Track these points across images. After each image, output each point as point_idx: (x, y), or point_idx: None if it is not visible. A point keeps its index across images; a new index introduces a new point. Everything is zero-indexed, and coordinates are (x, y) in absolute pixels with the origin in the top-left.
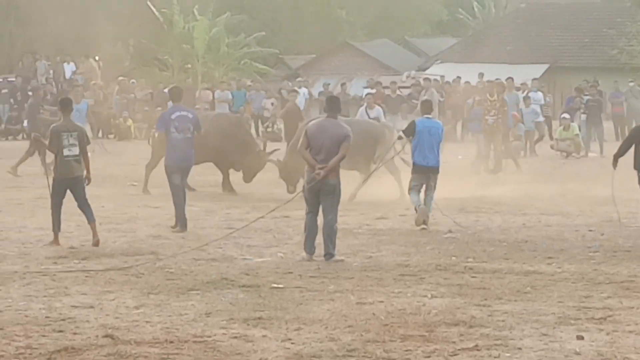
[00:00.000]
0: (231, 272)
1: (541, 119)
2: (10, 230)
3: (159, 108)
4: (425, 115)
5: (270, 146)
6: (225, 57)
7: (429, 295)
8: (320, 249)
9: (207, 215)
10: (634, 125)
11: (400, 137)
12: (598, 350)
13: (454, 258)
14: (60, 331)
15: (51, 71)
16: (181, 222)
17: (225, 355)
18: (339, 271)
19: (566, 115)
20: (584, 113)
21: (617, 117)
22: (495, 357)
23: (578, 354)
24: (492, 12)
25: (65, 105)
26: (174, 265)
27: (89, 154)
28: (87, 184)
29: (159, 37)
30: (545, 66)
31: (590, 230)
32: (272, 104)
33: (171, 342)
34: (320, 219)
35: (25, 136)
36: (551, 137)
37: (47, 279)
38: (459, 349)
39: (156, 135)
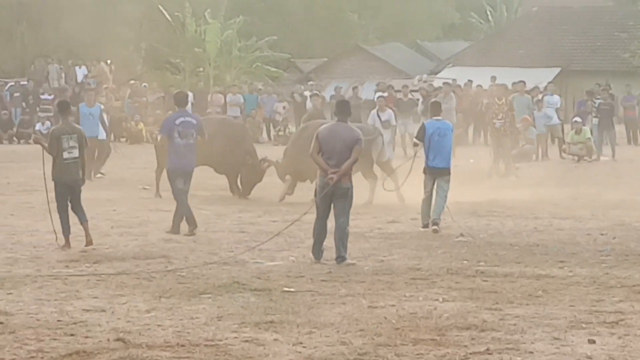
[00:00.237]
0: (243, 275)
1: (557, 122)
2: (22, 234)
3: (171, 112)
4: (435, 117)
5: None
6: (237, 61)
7: (441, 299)
8: (330, 253)
9: (219, 219)
10: None
11: (416, 144)
12: (610, 354)
13: (465, 262)
14: (72, 335)
15: (63, 75)
16: (190, 223)
17: (237, 358)
18: (350, 275)
19: (578, 119)
20: (595, 117)
21: (629, 121)
22: None
23: (590, 358)
24: (504, 15)
25: (63, 108)
26: (186, 269)
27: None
28: (81, 185)
29: (171, 41)
30: (557, 70)
31: (602, 234)
32: (284, 107)
33: (183, 345)
34: (329, 223)
35: None
36: (563, 141)
37: (59, 283)
38: (470, 353)
39: (158, 139)
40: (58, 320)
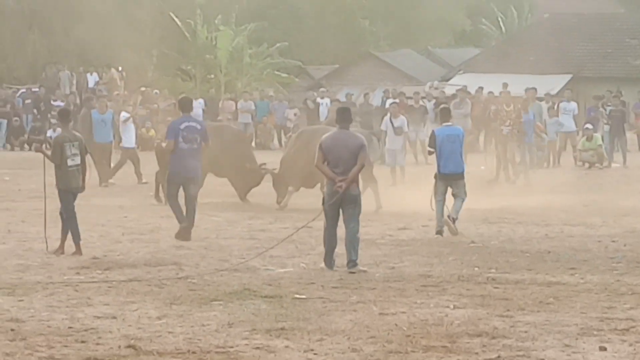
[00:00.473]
0: (254, 282)
1: (574, 129)
2: (33, 241)
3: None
4: (445, 123)
5: None
6: (248, 68)
7: (452, 306)
8: (341, 259)
9: (230, 226)
10: None
11: (430, 152)
12: None
13: (476, 269)
14: (83, 342)
15: (74, 82)
16: (186, 221)
17: None
18: (361, 282)
19: (589, 126)
20: (607, 124)
21: None
22: None
23: None
24: (515, 22)
25: (64, 116)
26: (197, 276)
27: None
28: (80, 192)
29: (182, 48)
30: (569, 76)
31: (613, 241)
32: (295, 114)
33: (194, 352)
34: (339, 230)
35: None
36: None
37: (70, 290)
38: None
39: (163, 145)
40: (69, 327)
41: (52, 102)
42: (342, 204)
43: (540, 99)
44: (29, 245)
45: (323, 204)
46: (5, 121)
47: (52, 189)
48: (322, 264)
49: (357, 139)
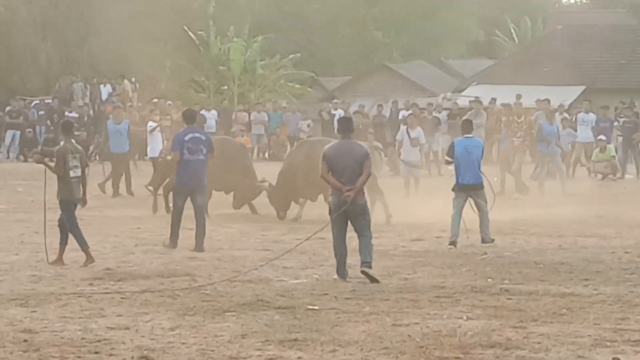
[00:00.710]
0: (267, 293)
1: (592, 139)
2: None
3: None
4: (465, 135)
5: None
6: (261, 79)
7: (465, 317)
8: (354, 271)
9: (243, 237)
10: None
11: (448, 162)
12: None
13: (489, 280)
14: (96, 352)
15: (88, 93)
16: (172, 240)
17: None
18: (374, 293)
19: (603, 137)
20: (620, 135)
21: None
22: None
23: None
24: (528, 33)
25: (67, 128)
26: (210, 287)
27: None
28: (82, 206)
29: (195, 59)
30: (582, 88)
31: (626, 252)
32: (308, 125)
33: None
34: (352, 242)
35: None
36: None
37: (83, 300)
38: None
39: (168, 158)
40: (82, 338)
41: (67, 113)
42: (351, 215)
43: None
44: (42, 257)
45: (330, 214)
46: (18, 132)
47: (53, 201)
48: (335, 275)
49: (362, 147)
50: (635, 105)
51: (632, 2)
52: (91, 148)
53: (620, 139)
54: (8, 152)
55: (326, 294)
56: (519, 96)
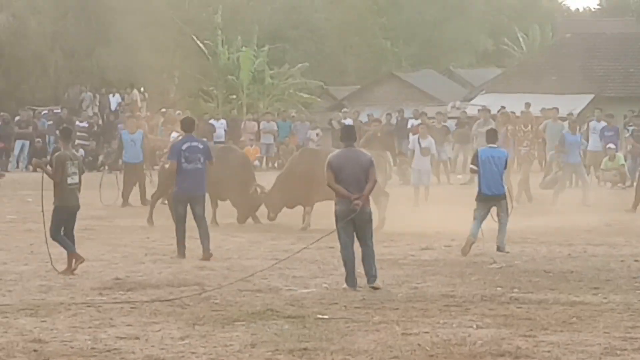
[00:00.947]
0: (276, 303)
1: (601, 148)
2: (56, 262)
3: (204, 139)
4: (490, 145)
5: None
6: (270, 88)
7: (475, 326)
8: (363, 279)
9: (252, 246)
10: None
11: (473, 171)
12: None
13: (499, 289)
14: None
15: (97, 103)
16: (180, 249)
17: None
18: (384, 302)
19: (611, 145)
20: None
21: None
22: None
23: None
24: (537, 42)
25: (66, 135)
26: (219, 296)
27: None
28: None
29: (203, 69)
30: (591, 96)
31: (636, 261)
32: (317, 134)
33: None
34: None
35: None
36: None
37: (93, 310)
38: None
39: (166, 166)
40: (92, 348)
41: (77, 123)
42: (357, 223)
43: (563, 119)
44: (51, 266)
45: (336, 223)
46: (27, 142)
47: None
48: (344, 285)
49: (366, 155)
50: None
51: None
52: (100, 157)
53: (629, 147)
54: (17, 162)
55: (336, 303)
56: (528, 105)
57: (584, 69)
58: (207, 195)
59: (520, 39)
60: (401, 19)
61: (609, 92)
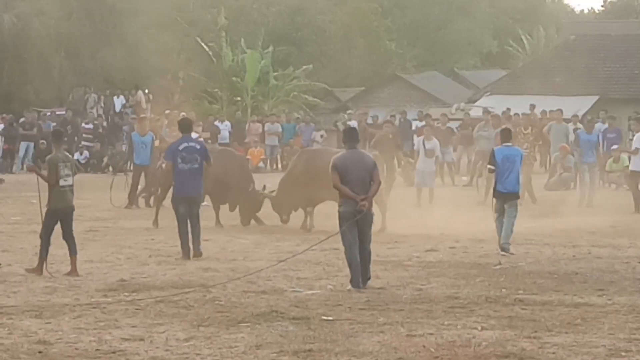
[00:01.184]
0: (281, 304)
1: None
2: (60, 263)
3: (209, 141)
4: (505, 144)
5: None
6: (274, 90)
7: (479, 328)
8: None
9: (257, 248)
10: None
11: (491, 170)
12: None
13: (504, 290)
14: None
15: (101, 104)
16: (184, 251)
17: None
18: (388, 303)
19: (616, 147)
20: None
21: None
22: None
23: None
24: (541, 44)
25: (58, 137)
26: (224, 297)
27: None
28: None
29: (208, 70)
30: (595, 98)
31: None
32: (322, 136)
33: None
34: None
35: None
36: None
37: (98, 312)
38: None
39: (163, 166)
40: (97, 350)
41: (83, 125)
42: (361, 225)
43: (567, 121)
44: (56, 268)
45: (340, 224)
46: (32, 144)
47: (82, 210)
48: (349, 286)
49: (369, 157)
50: None
51: None
52: (105, 159)
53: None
54: (22, 164)
55: (340, 305)
56: (532, 106)
57: (589, 70)
58: (209, 197)
59: (525, 41)
60: (405, 20)
61: (614, 94)
